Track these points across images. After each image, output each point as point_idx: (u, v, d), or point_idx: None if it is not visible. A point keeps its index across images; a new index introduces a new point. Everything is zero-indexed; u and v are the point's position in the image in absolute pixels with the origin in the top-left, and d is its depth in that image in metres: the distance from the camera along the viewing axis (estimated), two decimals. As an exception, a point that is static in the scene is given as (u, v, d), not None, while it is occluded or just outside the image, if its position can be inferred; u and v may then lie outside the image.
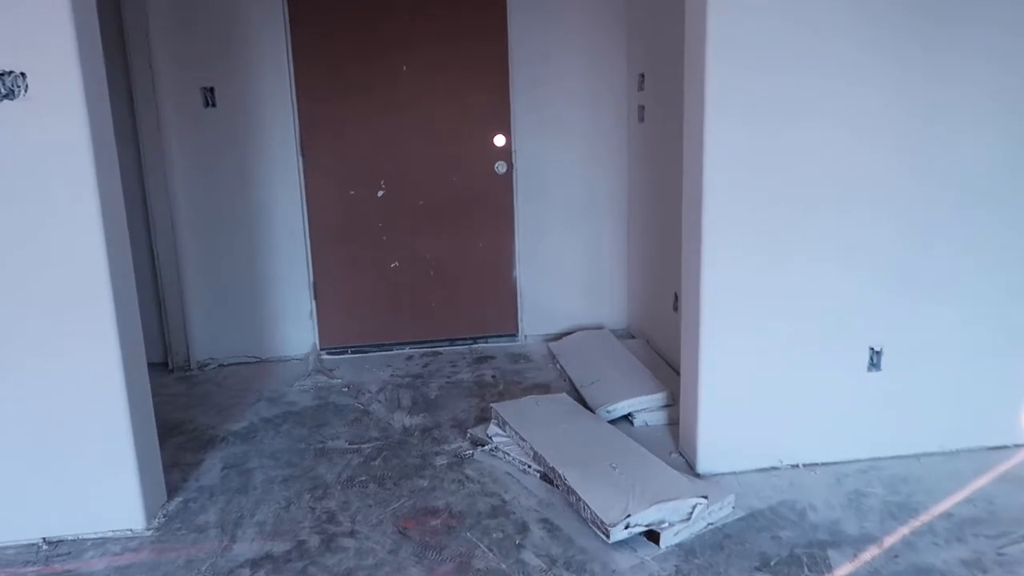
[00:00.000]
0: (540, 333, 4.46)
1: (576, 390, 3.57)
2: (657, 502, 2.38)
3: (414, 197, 4.26)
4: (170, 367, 4.17)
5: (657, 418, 3.23)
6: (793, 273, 2.67)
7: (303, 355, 4.29)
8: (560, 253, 4.41)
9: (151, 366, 4.13)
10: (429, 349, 4.38)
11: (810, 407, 2.77)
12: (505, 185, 4.29)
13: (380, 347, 4.37)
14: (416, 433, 3.25)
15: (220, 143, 4.04)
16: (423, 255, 4.33)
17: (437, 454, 3.04)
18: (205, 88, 3.98)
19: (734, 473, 2.76)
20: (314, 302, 4.30)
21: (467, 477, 2.84)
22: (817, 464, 2.80)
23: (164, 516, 2.63)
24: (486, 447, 3.04)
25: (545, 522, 2.51)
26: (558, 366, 3.98)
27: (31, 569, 2.36)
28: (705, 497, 2.42)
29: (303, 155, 4.13)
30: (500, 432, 3.08)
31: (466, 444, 3.11)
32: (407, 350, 4.37)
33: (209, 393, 3.84)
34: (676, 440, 3.02)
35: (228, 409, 3.61)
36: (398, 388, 3.80)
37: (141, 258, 4.05)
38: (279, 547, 2.43)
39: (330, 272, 4.29)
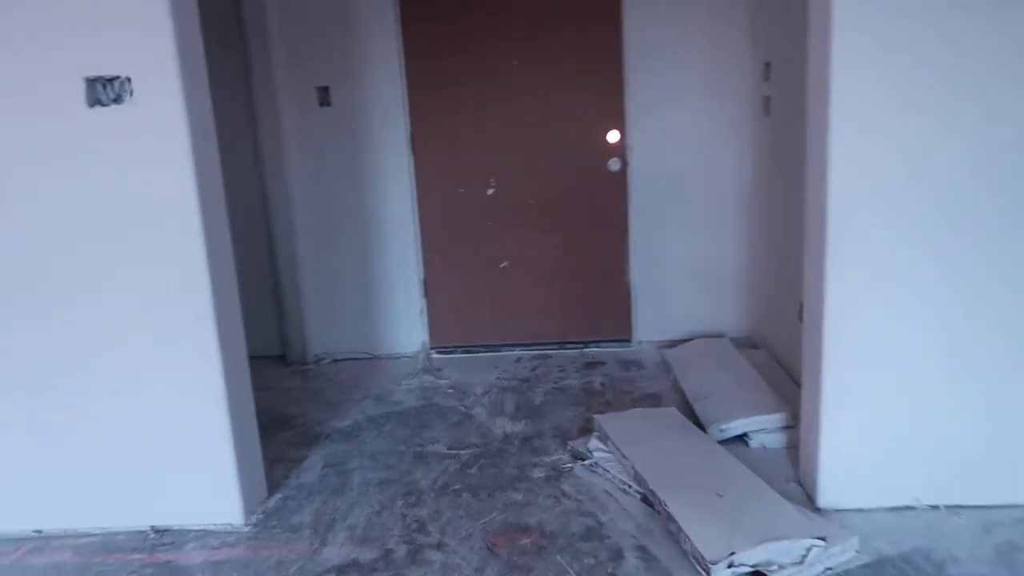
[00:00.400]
0: (655, 339, 4.24)
1: (688, 404, 3.34)
2: (766, 540, 2.14)
3: (524, 195, 4.15)
4: (288, 360, 4.29)
5: (775, 440, 2.95)
6: (933, 281, 2.33)
7: (413, 353, 4.29)
8: (677, 255, 4.16)
9: (270, 359, 4.32)
10: (539, 352, 4.27)
11: (956, 437, 2.41)
12: (619, 183, 4.10)
13: (489, 348, 4.30)
14: (516, 441, 3.14)
15: (334, 141, 4.10)
16: (533, 254, 4.21)
17: (535, 465, 2.92)
18: (320, 87, 4.04)
19: (860, 510, 2.45)
20: (424, 300, 4.29)
21: (563, 493, 2.70)
22: (962, 507, 2.44)
23: (263, 513, 2.67)
24: (586, 461, 2.89)
25: (641, 550, 2.33)
26: (671, 376, 3.75)
27: (137, 556, 2.45)
28: (823, 539, 2.15)
29: (414, 152, 4.12)
30: (602, 446, 2.91)
31: (566, 457, 2.97)
32: (516, 352, 4.28)
33: (321, 388, 3.91)
34: (796, 467, 2.74)
35: (336, 405, 3.65)
36: (503, 392, 3.71)
37: (261, 255, 4.20)
38: (366, 554, 2.39)
39: (440, 270, 4.26)
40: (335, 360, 4.33)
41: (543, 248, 4.20)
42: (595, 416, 3.11)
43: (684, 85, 3.99)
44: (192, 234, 2.37)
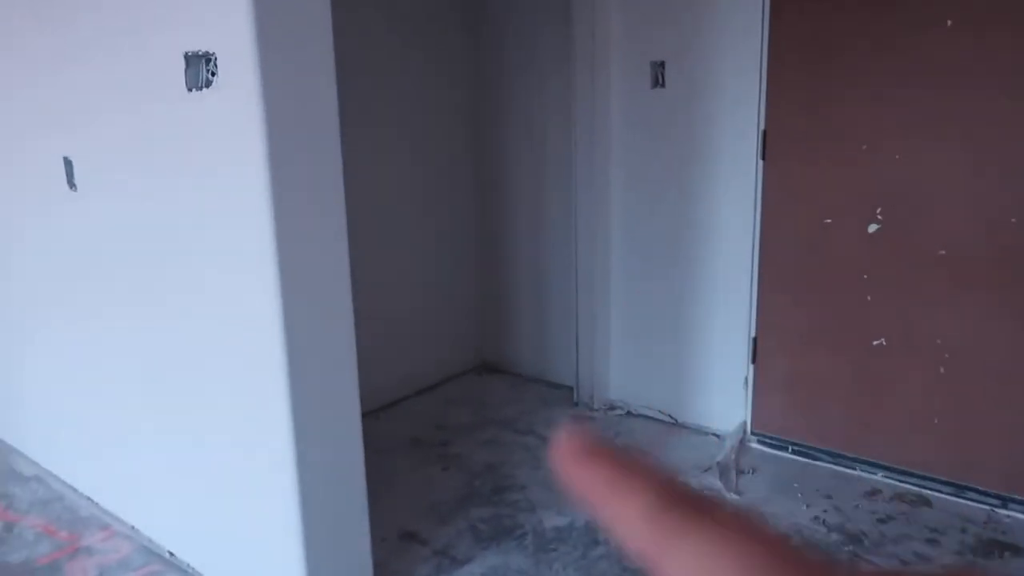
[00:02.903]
0: None
1: None
2: None
3: (930, 240, 2.55)
4: (574, 400, 3.51)
5: None
6: None
7: (724, 434, 3.10)
8: None
9: (564, 390, 3.58)
10: (912, 487, 2.67)
11: None
12: (1123, 242, 2.21)
13: (836, 458, 2.86)
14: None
15: (663, 137, 3.08)
16: (931, 335, 2.60)
17: None
18: (655, 63, 3.04)
19: None
20: (752, 367, 3.03)
21: None
22: None
23: (345, 637, 2.01)
24: None
25: None
26: None
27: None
28: None
29: (765, 156, 2.85)
30: None
31: None
32: (877, 476, 2.75)
33: (581, 452, 3.05)
34: None
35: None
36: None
37: (566, 273, 3.47)
38: None
39: (779, 331, 2.94)
40: (629, 413, 3.39)
41: (950, 328, 2.56)
42: None
43: None
44: (263, 261, 1.77)
